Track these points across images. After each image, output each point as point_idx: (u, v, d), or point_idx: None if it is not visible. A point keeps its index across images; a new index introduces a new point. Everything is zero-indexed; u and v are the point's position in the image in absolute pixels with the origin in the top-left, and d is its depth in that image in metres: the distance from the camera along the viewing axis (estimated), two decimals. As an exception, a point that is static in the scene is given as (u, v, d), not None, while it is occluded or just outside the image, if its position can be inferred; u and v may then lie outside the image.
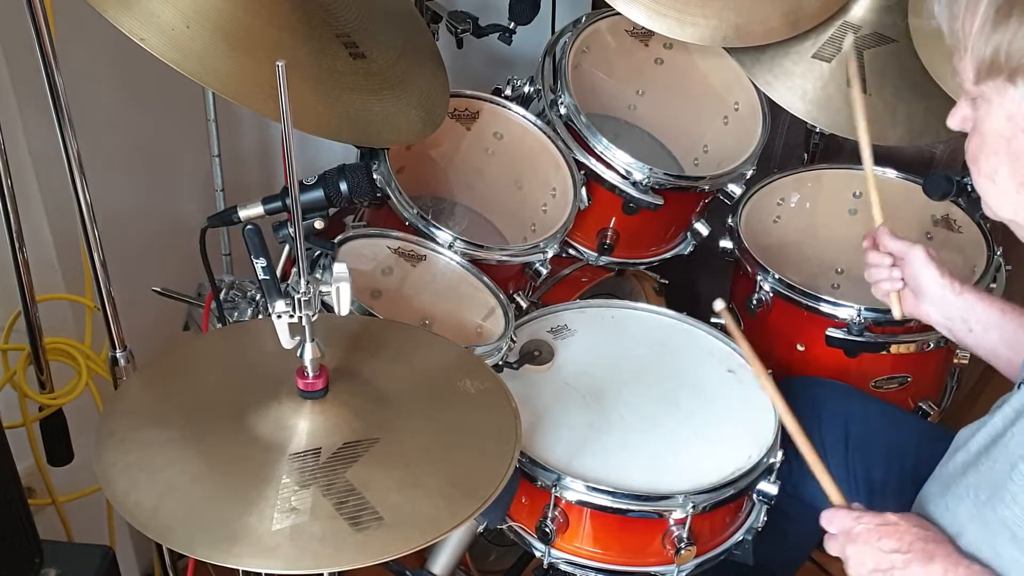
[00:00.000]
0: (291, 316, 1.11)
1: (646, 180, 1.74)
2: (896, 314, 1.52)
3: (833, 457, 1.57)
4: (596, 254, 1.86)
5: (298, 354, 1.13)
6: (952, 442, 1.31)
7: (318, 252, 1.49)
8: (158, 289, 1.59)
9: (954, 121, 1.14)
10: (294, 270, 1.12)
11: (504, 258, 1.67)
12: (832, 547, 1.23)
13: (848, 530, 1.20)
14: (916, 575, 1.14)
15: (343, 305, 1.12)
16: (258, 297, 1.56)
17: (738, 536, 1.54)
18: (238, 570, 1.07)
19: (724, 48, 1.86)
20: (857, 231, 1.76)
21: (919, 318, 1.51)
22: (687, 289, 2.20)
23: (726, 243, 1.82)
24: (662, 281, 2.10)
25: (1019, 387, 1.17)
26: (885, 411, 1.67)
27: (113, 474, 1.09)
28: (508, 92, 1.84)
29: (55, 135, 1.27)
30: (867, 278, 1.54)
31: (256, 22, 1.40)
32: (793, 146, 2.16)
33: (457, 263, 1.61)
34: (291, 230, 1.43)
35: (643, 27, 1.74)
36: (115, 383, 1.46)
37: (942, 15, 1.08)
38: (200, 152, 1.81)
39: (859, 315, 1.67)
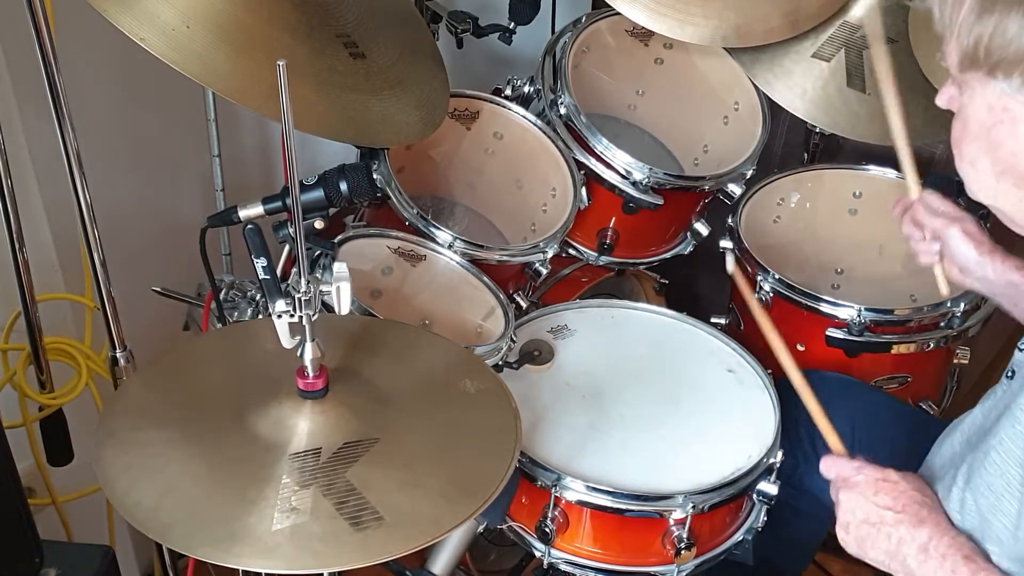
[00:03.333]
0: (291, 316, 1.11)
1: (646, 180, 1.74)
2: (943, 290, 1.49)
3: None
4: (596, 254, 1.86)
5: (298, 354, 1.13)
6: (938, 439, 1.32)
7: (318, 252, 1.49)
8: (158, 289, 1.59)
9: (942, 100, 1.14)
10: (294, 270, 1.11)
11: (504, 258, 1.67)
12: (831, 492, 1.23)
13: (847, 477, 1.20)
14: (903, 535, 1.14)
15: (343, 305, 1.12)
16: (258, 297, 1.56)
17: (738, 536, 1.54)
18: (238, 570, 1.07)
19: (724, 48, 1.86)
20: (857, 231, 1.77)
21: (967, 288, 1.48)
22: (687, 289, 2.20)
23: (726, 243, 1.82)
24: (662, 281, 2.10)
25: (1008, 376, 1.19)
26: (891, 406, 1.67)
27: (113, 474, 1.09)
28: (508, 92, 1.84)
29: (55, 135, 1.27)
30: (907, 243, 1.50)
31: (256, 22, 1.40)
32: (793, 146, 2.16)
33: (457, 263, 1.61)
34: (291, 230, 1.43)
35: (643, 27, 1.74)
36: (115, 383, 1.46)
37: None
38: (200, 152, 1.81)
39: (859, 315, 1.67)
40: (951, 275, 1.47)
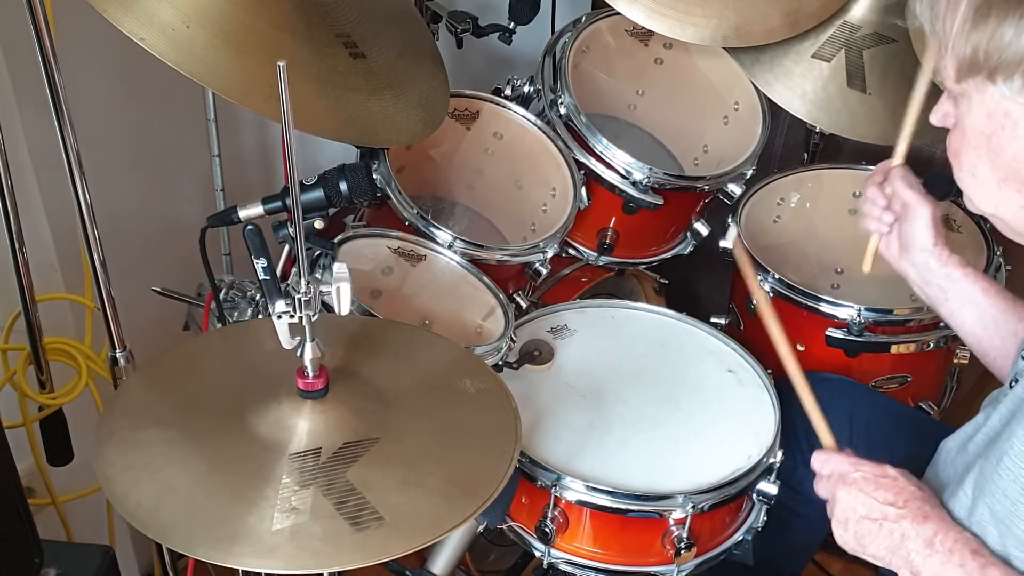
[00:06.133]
0: (291, 316, 1.11)
1: (646, 180, 1.74)
2: (866, 266, 1.47)
3: None
4: (596, 254, 1.86)
5: (298, 354, 1.13)
6: (939, 448, 1.31)
7: (318, 252, 1.49)
8: (158, 289, 1.59)
9: (936, 117, 1.16)
10: (294, 270, 1.11)
11: (504, 258, 1.67)
12: (820, 488, 1.23)
13: (844, 474, 1.20)
14: (906, 531, 1.14)
15: (343, 305, 1.12)
16: (258, 297, 1.56)
17: (738, 536, 1.54)
18: (238, 570, 1.07)
19: (724, 48, 1.86)
20: (857, 231, 1.76)
21: (896, 269, 1.46)
22: (687, 289, 2.20)
23: (726, 243, 1.82)
24: (662, 281, 2.10)
25: (1011, 385, 1.18)
26: (889, 407, 1.67)
27: (113, 474, 1.09)
28: (508, 92, 1.84)
29: (55, 135, 1.27)
30: (860, 206, 1.48)
31: (256, 22, 1.40)
32: (793, 146, 2.16)
33: (457, 263, 1.61)
34: (291, 230, 1.43)
35: (643, 27, 1.74)
36: (115, 383, 1.46)
37: (923, 15, 1.10)
38: (200, 152, 1.81)
39: (859, 315, 1.67)
40: (888, 251, 1.45)
